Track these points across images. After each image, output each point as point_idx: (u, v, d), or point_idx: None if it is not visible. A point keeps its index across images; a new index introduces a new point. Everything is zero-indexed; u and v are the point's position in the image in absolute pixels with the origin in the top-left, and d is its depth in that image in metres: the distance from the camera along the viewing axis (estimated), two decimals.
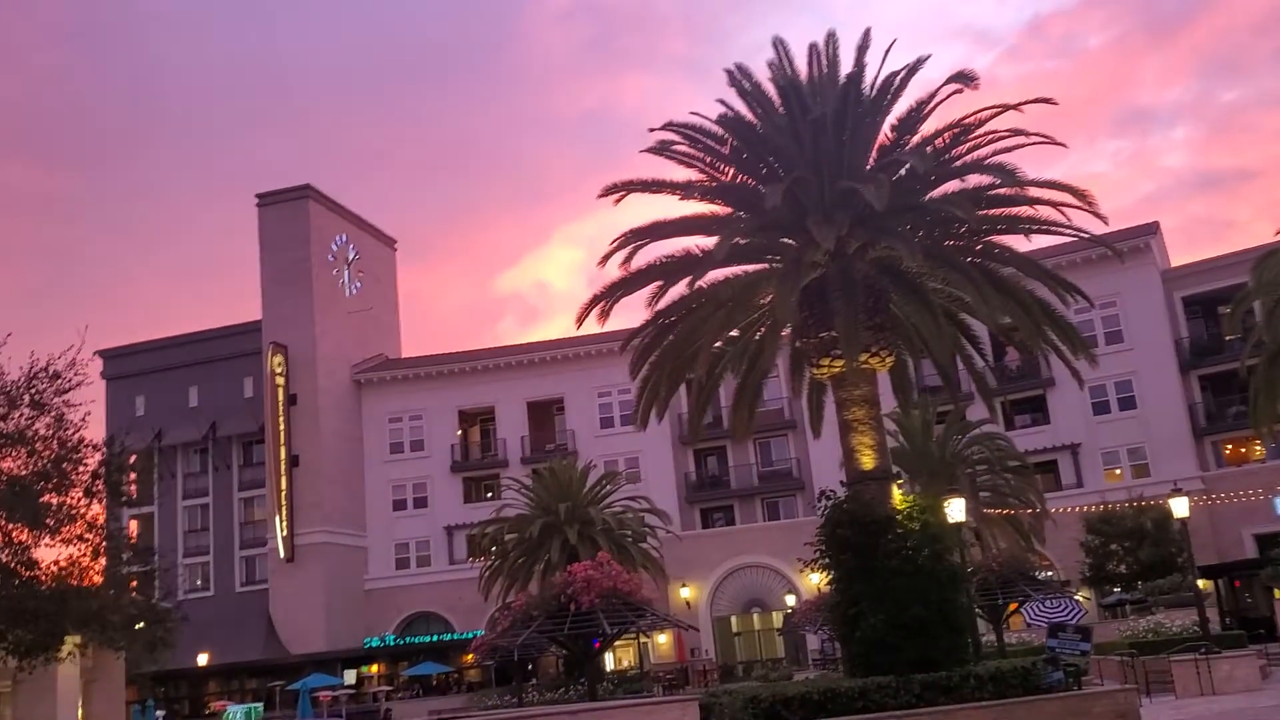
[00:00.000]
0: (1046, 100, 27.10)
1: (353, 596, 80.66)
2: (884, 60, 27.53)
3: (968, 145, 27.76)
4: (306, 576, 78.45)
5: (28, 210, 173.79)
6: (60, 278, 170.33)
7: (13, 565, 25.13)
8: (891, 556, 26.10)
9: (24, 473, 25.49)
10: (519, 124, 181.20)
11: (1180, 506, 37.29)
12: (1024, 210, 27.78)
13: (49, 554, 26.12)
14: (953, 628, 26.39)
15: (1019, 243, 29.10)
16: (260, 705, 54.26)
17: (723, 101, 28.26)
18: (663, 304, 29.09)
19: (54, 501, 25.52)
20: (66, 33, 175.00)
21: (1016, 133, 27.36)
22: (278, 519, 78.73)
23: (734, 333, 30.22)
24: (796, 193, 26.87)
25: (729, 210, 28.61)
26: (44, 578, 25.51)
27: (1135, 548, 60.02)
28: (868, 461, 27.77)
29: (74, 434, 26.08)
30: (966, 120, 27.51)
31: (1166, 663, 35.54)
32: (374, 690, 70.16)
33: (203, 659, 74.24)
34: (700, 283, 28.00)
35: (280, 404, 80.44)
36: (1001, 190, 27.45)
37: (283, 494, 79.08)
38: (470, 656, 65.12)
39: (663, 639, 70.79)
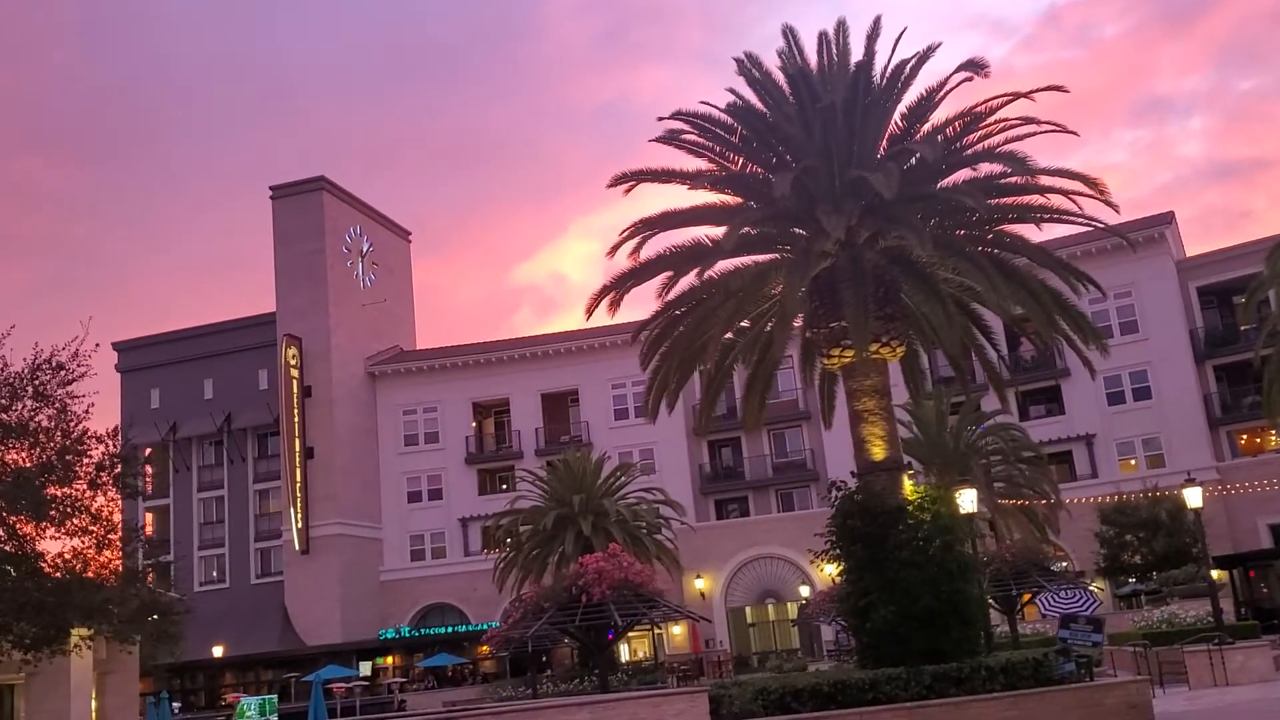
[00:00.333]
0: (1058, 88, 26.96)
1: (368, 588, 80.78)
2: (895, 49, 27.44)
3: (979, 134, 27.63)
4: (321, 568, 78.54)
5: (41, 206, 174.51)
6: (74, 273, 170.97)
7: (18, 556, 25.14)
8: (902, 547, 26.01)
9: (28, 465, 25.49)
10: (535, 116, 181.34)
11: (1194, 497, 37.09)
12: (1035, 199, 27.59)
13: (54, 546, 26.16)
14: (964, 619, 26.28)
15: (1031, 233, 28.98)
16: (274, 697, 54.13)
17: (732, 91, 28.18)
18: (673, 294, 29.04)
19: (59, 494, 25.52)
20: (76, 30, 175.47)
21: (1028, 121, 27.20)
22: (292, 511, 78.81)
23: (745, 323, 30.11)
24: (806, 182, 26.78)
25: (739, 200, 28.51)
26: (48, 570, 25.49)
27: (1150, 538, 59.82)
28: (878, 452, 27.69)
29: (77, 425, 26.08)
30: (977, 108, 27.39)
31: (1180, 653, 35.37)
32: (388, 682, 70.19)
33: (218, 651, 74.43)
34: (710, 273, 28.00)
35: (295, 396, 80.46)
36: (1013, 179, 27.29)
37: (297, 486, 79.15)
38: (485, 648, 65.13)
39: (677, 630, 70.78)
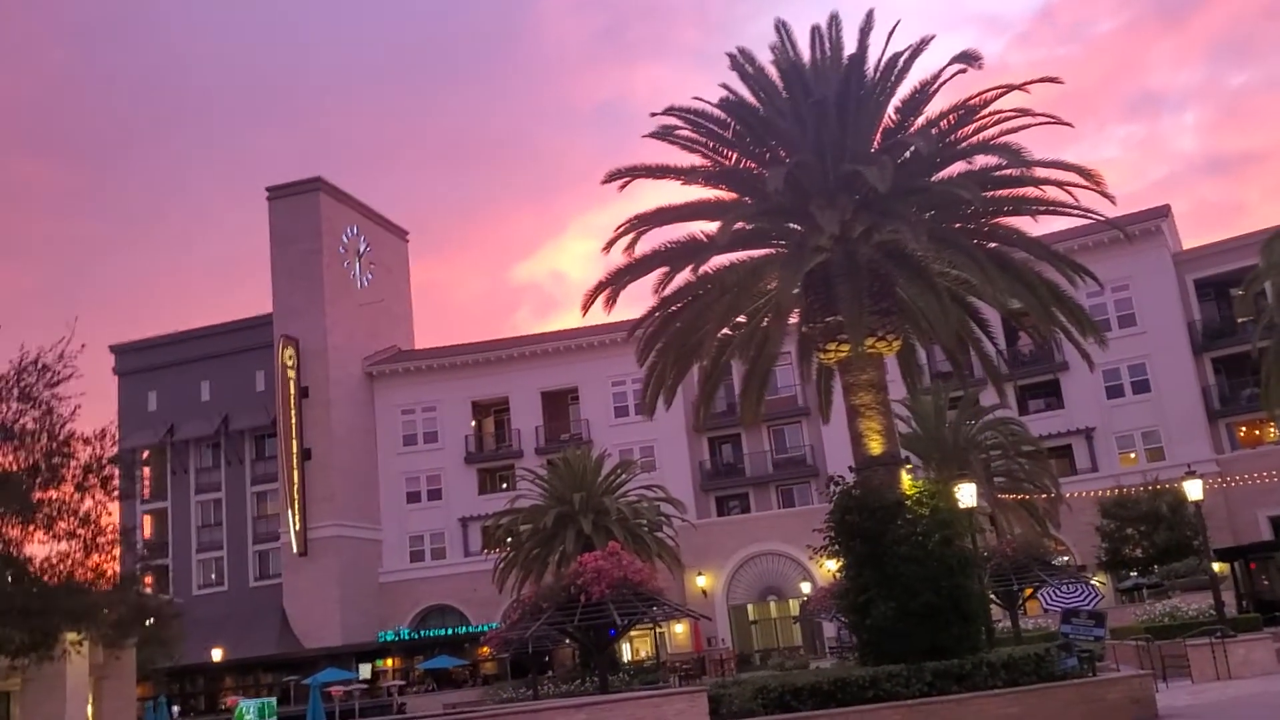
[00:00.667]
0: (1052, 79, 26.82)
1: (367, 590, 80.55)
2: (888, 42, 27.34)
3: (973, 126, 27.51)
4: (320, 570, 78.31)
5: (41, 207, 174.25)
6: (71, 275, 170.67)
7: (3, 559, 24.91)
8: (901, 543, 25.87)
9: (14, 467, 25.26)
10: (533, 115, 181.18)
11: (1194, 489, 36.96)
12: (1031, 192, 27.49)
13: (43, 551, 25.93)
14: (964, 614, 26.14)
15: (1028, 226, 28.91)
16: (274, 700, 53.96)
17: (725, 86, 28.06)
18: (668, 290, 28.95)
19: (46, 496, 25.29)
20: (75, 31, 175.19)
21: (1023, 113, 27.07)
22: (290, 513, 78.58)
23: (741, 319, 29.99)
24: (799, 176, 26.63)
25: (733, 195, 28.41)
26: (34, 573, 25.24)
27: (1151, 531, 59.69)
28: (876, 446, 27.55)
29: (62, 427, 25.84)
30: (971, 101, 27.26)
31: (1182, 647, 35.22)
32: (388, 685, 70.00)
33: (217, 654, 74.16)
34: (705, 268, 27.85)
35: (292, 397, 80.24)
36: (1008, 171, 27.20)
37: (295, 488, 78.90)
38: (485, 649, 64.93)
39: (679, 628, 70.60)
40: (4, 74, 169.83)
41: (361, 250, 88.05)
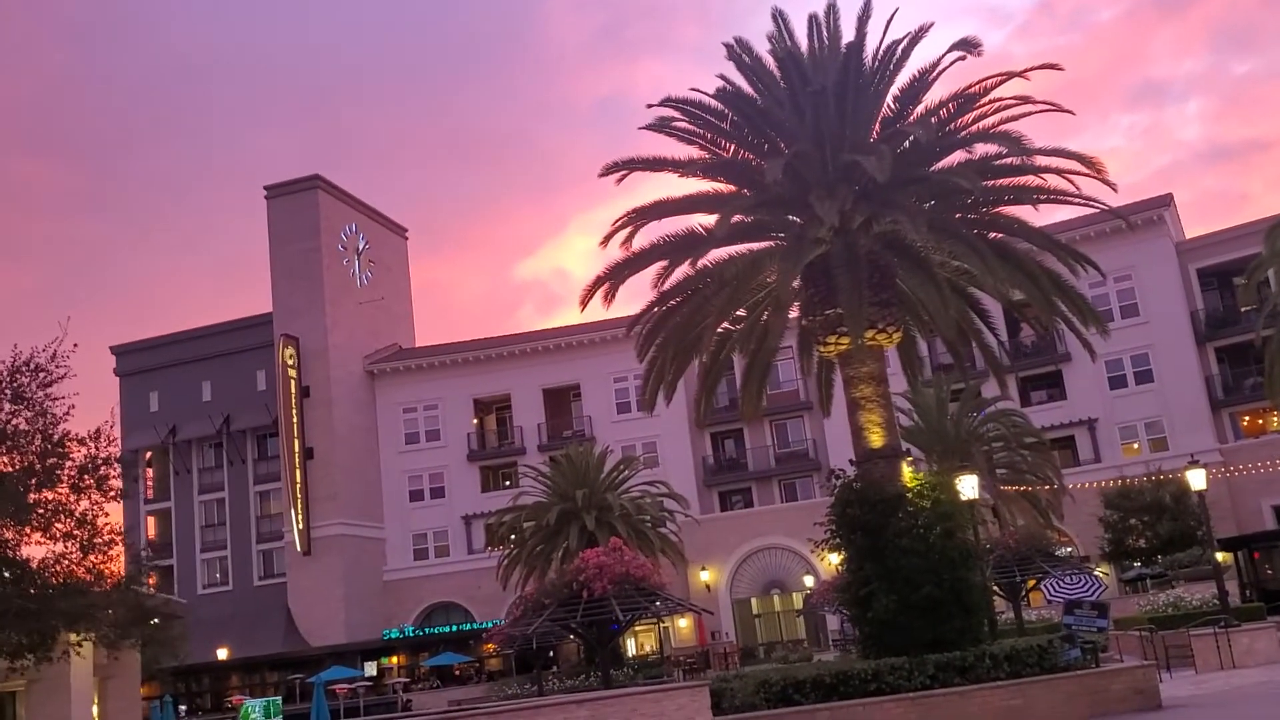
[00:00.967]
0: (1052, 66, 26.69)
1: (371, 588, 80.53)
2: (886, 30, 27.16)
3: (973, 115, 27.35)
4: (324, 569, 78.28)
5: (41, 207, 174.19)
6: (72, 276, 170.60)
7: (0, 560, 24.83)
8: (902, 535, 25.78)
9: (8, 469, 25.15)
10: (535, 113, 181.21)
11: (1197, 479, 36.78)
12: (1032, 180, 27.31)
13: (40, 552, 25.84)
14: (966, 607, 26.04)
15: (1030, 216, 28.69)
16: (279, 699, 53.86)
17: (723, 77, 27.88)
18: (667, 285, 28.78)
19: (42, 498, 25.18)
20: (75, 32, 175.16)
21: (1023, 100, 26.92)
22: (293, 512, 78.55)
23: (741, 312, 29.87)
24: (798, 167, 26.49)
25: (731, 187, 28.22)
26: (33, 574, 25.14)
27: (1154, 522, 59.61)
28: (876, 439, 27.44)
29: (55, 427, 25.71)
30: (971, 89, 27.10)
31: (1186, 637, 35.07)
32: (392, 682, 69.98)
33: (222, 654, 74.21)
34: (704, 262, 27.71)
35: (293, 396, 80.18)
36: (1008, 160, 27.03)
37: (298, 487, 78.88)
38: (490, 646, 64.88)
39: (683, 623, 70.55)
40: (4, 74, 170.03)
41: (361, 248, 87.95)
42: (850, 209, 26.61)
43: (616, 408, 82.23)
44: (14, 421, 25.40)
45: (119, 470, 26.44)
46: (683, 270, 28.27)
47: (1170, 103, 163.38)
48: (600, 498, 58.33)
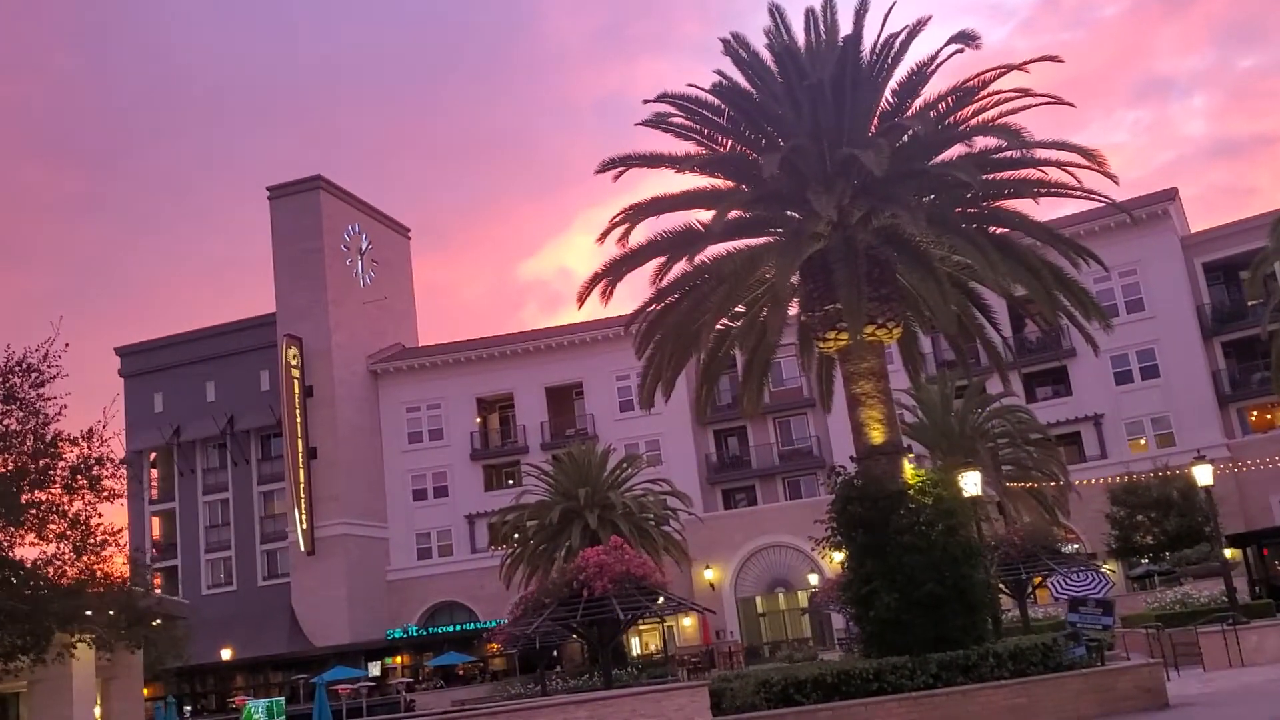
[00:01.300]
0: (1051, 58, 26.42)
1: (375, 588, 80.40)
2: (884, 23, 26.91)
3: (973, 108, 27.11)
4: (328, 569, 78.13)
5: (46, 211, 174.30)
6: (75, 279, 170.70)
7: None
8: (904, 532, 25.53)
9: (1, 470, 25.03)
10: (536, 112, 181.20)
11: (1204, 474, 36.50)
12: (1032, 174, 27.04)
13: (33, 553, 25.73)
14: (969, 605, 25.78)
15: (1032, 211, 28.46)
16: (282, 700, 53.66)
17: (719, 72, 27.66)
18: (665, 281, 28.55)
19: (34, 498, 25.07)
20: (78, 36, 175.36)
21: (1023, 94, 26.64)
22: (297, 512, 78.37)
23: (740, 308, 29.63)
24: (795, 162, 26.24)
25: (729, 183, 27.98)
26: (30, 575, 25.02)
27: (1161, 518, 59.27)
28: (877, 436, 27.19)
29: (48, 427, 25.58)
30: (970, 82, 26.85)
31: (1194, 634, 34.81)
32: (396, 682, 69.82)
33: (226, 654, 74.12)
34: (701, 258, 27.49)
35: (296, 396, 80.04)
36: (1008, 153, 26.80)
37: (301, 487, 78.71)
38: (494, 645, 64.73)
39: (687, 622, 70.41)
40: (9, 79, 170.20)
41: (363, 248, 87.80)
42: (848, 203, 26.39)
43: (619, 406, 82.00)
44: (5, 422, 25.27)
45: (112, 470, 26.29)
46: (680, 266, 28.05)
47: (1175, 98, 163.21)
48: (603, 496, 58.23)
